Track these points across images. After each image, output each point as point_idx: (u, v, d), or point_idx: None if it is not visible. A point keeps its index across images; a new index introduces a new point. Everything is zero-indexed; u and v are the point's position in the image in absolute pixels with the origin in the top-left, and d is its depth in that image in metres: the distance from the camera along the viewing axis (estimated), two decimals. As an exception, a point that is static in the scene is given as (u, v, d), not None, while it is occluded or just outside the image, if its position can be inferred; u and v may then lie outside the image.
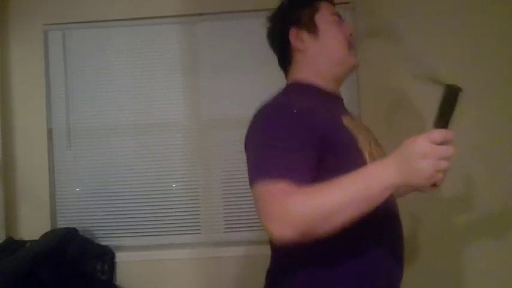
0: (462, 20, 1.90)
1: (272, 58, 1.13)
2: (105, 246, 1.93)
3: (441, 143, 0.71)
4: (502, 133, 1.86)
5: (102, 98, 2.03)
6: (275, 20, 1.10)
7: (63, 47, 2.04)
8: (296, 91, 1.02)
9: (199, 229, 1.99)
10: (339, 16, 1.07)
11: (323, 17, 1.04)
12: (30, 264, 1.62)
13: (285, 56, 1.08)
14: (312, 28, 1.03)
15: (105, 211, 2.00)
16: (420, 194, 1.31)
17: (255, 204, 0.82)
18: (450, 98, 0.77)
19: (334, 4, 1.10)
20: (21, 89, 2.03)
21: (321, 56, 1.02)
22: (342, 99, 1.09)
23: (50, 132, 2.03)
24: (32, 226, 1.95)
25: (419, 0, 1.93)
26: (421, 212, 1.84)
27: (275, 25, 1.10)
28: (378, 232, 0.90)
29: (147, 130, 2.01)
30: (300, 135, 0.84)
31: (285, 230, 0.76)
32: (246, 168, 0.88)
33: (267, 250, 1.00)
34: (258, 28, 1.13)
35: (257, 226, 1.89)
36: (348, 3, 1.92)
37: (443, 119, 0.77)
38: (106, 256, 1.89)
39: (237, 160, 1.92)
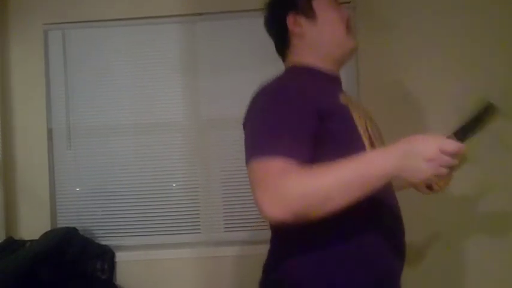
0: (462, 20, 1.90)
1: (272, 58, 1.13)
2: (105, 245, 1.93)
3: (449, 154, 0.71)
4: (503, 133, 1.86)
5: (102, 97, 2.03)
6: (272, 6, 1.09)
7: (63, 47, 2.05)
8: (295, 73, 1.02)
9: (199, 229, 1.99)
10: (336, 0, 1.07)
11: (320, 1, 1.03)
12: (30, 264, 1.62)
13: (282, 42, 1.07)
14: (309, 13, 1.02)
15: (105, 211, 2.00)
16: (421, 194, 1.31)
17: (250, 183, 0.80)
18: (483, 114, 0.76)
19: None
20: (21, 89, 2.03)
21: (319, 40, 1.02)
22: (341, 81, 1.09)
23: (50, 132, 2.03)
24: (32, 226, 1.95)
25: (419, 0, 1.93)
26: (422, 212, 1.84)
27: (272, 11, 1.09)
28: (374, 219, 0.90)
29: (147, 130, 2.01)
30: (298, 113, 0.84)
31: (278, 209, 0.75)
32: (245, 153, 0.87)
33: (266, 250, 1.00)
34: (258, 28, 1.13)
35: (257, 226, 1.90)
36: (348, 3, 1.92)
37: (465, 131, 0.75)
38: (106, 256, 1.89)
39: (237, 160, 1.92)
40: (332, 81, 1.04)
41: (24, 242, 1.87)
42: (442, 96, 1.85)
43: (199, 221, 1.99)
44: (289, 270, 0.90)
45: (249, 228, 1.94)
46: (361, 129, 0.92)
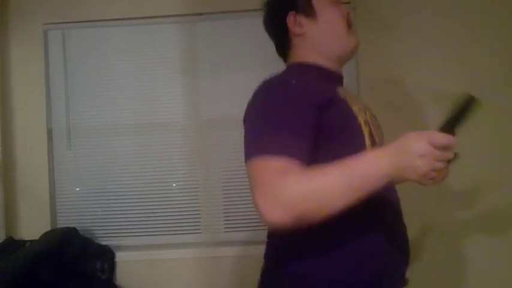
0: (462, 20, 1.90)
1: (272, 58, 1.13)
2: (105, 245, 1.93)
3: (441, 147, 0.71)
4: (503, 132, 1.86)
5: (102, 97, 2.03)
6: (271, 6, 1.09)
7: (63, 47, 2.04)
8: (296, 69, 1.02)
9: (199, 229, 1.99)
10: None
11: (320, 0, 1.03)
12: (30, 264, 1.62)
13: (283, 42, 1.07)
14: (309, 11, 1.02)
15: (105, 211, 2.00)
16: (421, 194, 1.30)
17: (249, 182, 0.80)
18: (464, 106, 0.77)
19: None
20: (21, 89, 2.03)
21: (320, 38, 1.02)
22: (342, 78, 1.08)
23: (50, 132, 2.03)
24: (32, 226, 1.95)
25: (419, 0, 1.93)
26: (423, 212, 1.84)
27: (271, 11, 1.08)
28: (379, 224, 0.90)
29: (147, 130, 2.01)
30: (299, 110, 0.84)
31: (278, 212, 0.74)
32: (244, 151, 0.86)
33: (266, 250, 1.00)
34: (258, 28, 1.12)
35: (257, 226, 1.90)
36: (348, 3, 1.92)
37: (451, 124, 0.76)
38: (106, 256, 1.89)
39: (237, 160, 1.92)
40: (333, 78, 1.03)
41: (24, 242, 1.87)
42: (441, 95, 1.85)
43: (199, 221, 1.99)
44: (289, 271, 0.90)
45: (249, 228, 1.94)
46: (361, 121, 0.92)
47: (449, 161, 0.74)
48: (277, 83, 0.91)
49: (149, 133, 2.01)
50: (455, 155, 0.74)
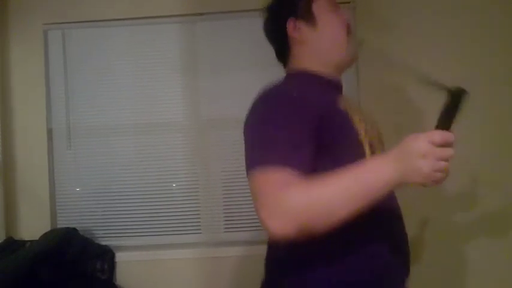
0: (462, 20, 1.90)
1: (272, 58, 1.13)
2: (105, 246, 1.93)
3: (441, 145, 0.71)
4: (503, 133, 1.86)
5: (102, 97, 2.03)
6: (271, 11, 1.08)
7: (63, 47, 2.04)
8: (295, 78, 1.01)
9: (199, 229, 1.99)
10: (336, 3, 1.06)
11: (320, 6, 1.02)
12: (30, 264, 1.62)
13: (283, 48, 1.06)
14: (309, 18, 1.01)
15: (105, 211, 2.00)
16: (421, 194, 1.30)
17: (251, 194, 0.79)
18: (454, 100, 0.77)
19: None
20: (21, 89, 2.03)
21: (320, 45, 1.01)
22: (342, 87, 1.08)
23: (50, 132, 2.03)
24: (32, 226, 1.95)
25: (419, 0, 1.93)
26: (422, 212, 1.84)
27: (271, 17, 1.08)
28: (379, 229, 0.89)
29: (147, 130, 2.01)
30: (299, 122, 0.83)
31: (283, 224, 0.74)
32: (245, 163, 0.86)
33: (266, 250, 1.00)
34: (258, 28, 1.12)
35: (257, 226, 1.89)
36: (348, 3, 1.92)
37: (446, 121, 0.76)
38: (106, 256, 1.89)
39: (237, 160, 1.92)
40: (333, 86, 1.03)
41: (24, 242, 1.87)
42: (441, 95, 1.85)
43: (199, 222, 1.99)
44: (289, 279, 0.89)
45: (249, 228, 1.94)
46: (361, 132, 0.92)
47: (450, 156, 0.73)
48: (277, 93, 0.90)
49: (149, 133, 2.01)
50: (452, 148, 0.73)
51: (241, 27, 1.98)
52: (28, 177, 2.00)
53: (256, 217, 0.78)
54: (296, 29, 1.02)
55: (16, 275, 1.57)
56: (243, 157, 0.87)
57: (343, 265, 0.86)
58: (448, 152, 0.71)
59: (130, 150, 2.01)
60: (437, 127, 0.76)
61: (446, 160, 0.71)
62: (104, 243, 1.95)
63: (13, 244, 1.84)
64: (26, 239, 1.90)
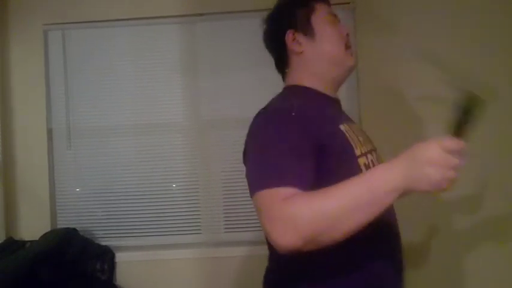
0: (462, 19, 1.90)
1: (272, 58, 1.13)
2: (105, 246, 1.93)
3: (452, 152, 0.70)
4: (504, 134, 1.86)
5: (102, 98, 2.03)
6: (271, 22, 1.09)
7: (63, 47, 2.04)
8: (293, 94, 1.00)
9: (199, 229, 1.99)
10: (335, 16, 1.06)
11: (319, 18, 1.02)
12: (30, 264, 1.62)
13: (281, 58, 1.07)
14: (308, 30, 1.02)
15: (105, 211, 2.00)
16: (422, 198, 1.29)
17: (257, 213, 0.79)
18: (470, 108, 0.74)
19: (329, 4, 1.08)
20: (21, 89, 2.03)
21: (318, 58, 1.01)
22: (340, 102, 1.08)
23: (50, 132, 2.03)
24: (32, 226, 1.95)
25: (419, 0, 1.92)
26: (421, 214, 1.84)
27: (271, 28, 1.09)
28: (376, 241, 0.88)
29: (147, 130, 2.01)
30: (299, 140, 0.83)
31: (289, 237, 0.72)
32: (245, 173, 0.87)
33: (266, 250, 1.00)
34: (258, 28, 1.13)
35: (257, 226, 1.89)
36: (348, 3, 1.92)
37: (460, 128, 0.74)
38: (106, 256, 1.89)
39: (237, 160, 1.91)
40: (331, 104, 1.03)
41: (24, 242, 1.87)
42: (441, 95, 1.85)
43: (199, 222, 1.99)
44: None
45: (249, 229, 1.94)
46: (359, 155, 0.91)
47: (461, 165, 0.71)
48: (275, 113, 0.90)
49: (149, 133, 2.01)
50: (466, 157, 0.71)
51: (241, 27, 1.98)
52: (28, 177, 2.00)
53: (255, 217, 0.78)
54: (295, 41, 1.02)
55: (16, 275, 1.57)
56: (243, 157, 0.86)
57: (340, 279, 0.86)
58: (459, 160, 0.70)
59: (130, 150, 2.01)
60: (450, 133, 0.74)
61: (455, 169, 0.70)
62: (103, 243, 1.95)
63: (13, 244, 1.84)
64: (26, 239, 1.90)
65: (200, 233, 1.99)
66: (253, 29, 1.21)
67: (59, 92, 2.04)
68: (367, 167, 0.91)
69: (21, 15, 2.03)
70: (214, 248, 1.95)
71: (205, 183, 1.99)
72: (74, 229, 1.92)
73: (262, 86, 1.29)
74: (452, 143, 0.70)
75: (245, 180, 0.86)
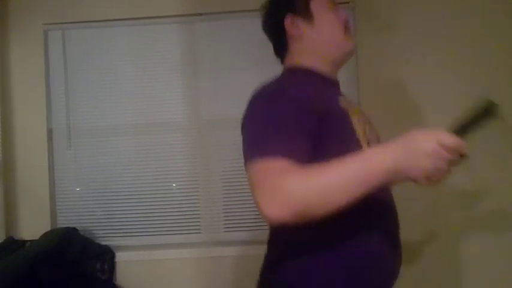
0: (462, 19, 1.90)
1: (272, 58, 1.13)
2: (105, 246, 1.93)
3: (448, 148, 0.70)
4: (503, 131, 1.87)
5: (102, 97, 2.03)
6: (270, 7, 1.09)
7: (63, 47, 2.05)
8: (293, 74, 1.02)
9: (199, 229, 1.99)
10: (333, 1, 1.07)
11: (318, 3, 1.03)
12: (30, 264, 1.62)
13: (280, 43, 1.07)
14: (307, 14, 1.02)
15: (105, 211, 2.00)
16: (418, 194, 1.29)
17: (249, 184, 0.79)
18: (483, 112, 0.75)
19: None
20: (21, 89, 2.03)
21: (317, 41, 1.02)
22: (339, 83, 1.09)
23: (50, 132, 2.04)
24: (32, 226, 1.95)
25: (419, 0, 1.92)
26: (420, 212, 1.84)
27: (270, 13, 1.09)
28: (373, 220, 0.90)
29: (147, 130, 2.01)
30: (297, 115, 0.84)
31: (278, 210, 0.73)
32: (243, 156, 0.86)
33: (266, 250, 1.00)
34: (258, 28, 1.13)
35: (257, 226, 1.90)
36: (348, 2, 1.92)
37: (464, 128, 0.74)
38: (106, 256, 1.89)
39: (237, 160, 1.91)
40: (331, 84, 1.04)
41: (24, 242, 1.87)
42: (441, 96, 1.85)
43: (199, 221, 1.99)
44: (288, 273, 0.90)
45: (249, 228, 1.94)
46: (359, 134, 0.92)
47: (455, 162, 0.72)
48: (274, 88, 0.91)
49: (149, 133, 2.01)
50: (464, 156, 0.72)
51: (241, 27, 1.98)
52: (28, 177, 2.00)
53: (255, 217, 0.79)
54: (294, 25, 1.03)
55: (16, 275, 1.57)
56: (243, 157, 0.86)
57: (333, 252, 0.87)
58: (453, 157, 0.71)
59: (130, 150, 2.01)
60: (453, 130, 0.74)
61: (448, 164, 0.71)
62: (104, 243, 1.95)
63: (13, 244, 1.84)
64: (26, 238, 1.90)
65: (200, 233, 1.99)
66: (253, 28, 1.21)
67: (59, 92, 2.04)
68: (364, 133, 0.93)
69: (21, 15, 2.03)
70: (214, 247, 1.95)
71: (205, 183, 1.99)
72: (74, 229, 1.92)
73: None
74: (451, 139, 0.71)
75: (245, 179, 0.86)
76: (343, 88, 1.10)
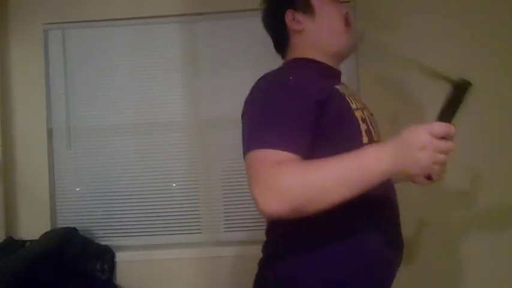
0: (462, 19, 1.90)
1: (272, 58, 1.13)
2: (105, 246, 1.93)
3: (442, 137, 0.71)
4: (503, 131, 1.86)
5: (102, 97, 2.03)
6: (270, 2, 1.09)
7: (63, 47, 2.04)
8: (294, 65, 1.02)
9: (199, 229, 1.99)
10: None
11: None
12: (30, 264, 1.62)
13: (281, 39, 1.07)
14: (307, 9, 1.02)
15: (105, 211, 2.00)
16: (419, 192, 1.29)
17: (246, 175, 0.79)
18: (458, 93, 0.76)
19: None
20: (21, 89, 2.03)
21: (318, 35, 1.02)
22: (340, 75, 1.09)
23: (50, 132, 2.03)
24: (32, 226, 1.95)
25: (419, 0, 1.92)
26: (420, 210, 1.84)
27: (270, 8, 1.09)
28: (373, 215, 0.90)
29: (147, 129, 2.01)
30: (297, 104, 0.84)
31: (274, 203, 0.74)
32: (242, 146, 0.86)
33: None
34: (258, 28, 1.13)
35: (257, 226, 1.89)
36: (348, 2, 1.92)
37: (448, 113, 0.75)
38: (106, 256, 1.89)
39: (237, 160, 1.92)
40: (332, 74, 1.04)
41: (24, 242, 1.87)
42: (441, 95, 1.85)
43: (199, 221, 1.99)
44: (286, 268, 0.90)
45: (249, 228, 1.94)
46: (359, 120, 0.92)
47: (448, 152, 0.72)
48: (275, 78, 0.92)
49: (149, 133, 2.01)
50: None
51: (241, 27, 1.98)
52: (28, 177, 2.00)
53: (255, 217, 0.79)
54: (294, 20, 1.03)
55: (16, 275, 1.57)
56: (243, 157, 0.86)
57: (331, 248, 0.87)
58: (448, 144, 0.71)
59: (130, 150, 2.01)
60: (439, 119, 0.75)
61: (445, 153, 0.71)
62: (103, 243, 1.95)
63: (13, 244, 1.84)
64: (26, 238, 1.90)
65: (200, 233, 1.99)
66: (253, 28, 1.21)
67: (59, 92, 2.04)
68: (364, 120, 0.94)
69: (21, 15, 2.03)
70: (214, 247, 1.95)
71: (205, 183, 1.99)
72: (74, 229, 1.92)
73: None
74: (441, 127, 0.71)
75: (245, 180, 0.86)
76: (343, 79, 1.10)
